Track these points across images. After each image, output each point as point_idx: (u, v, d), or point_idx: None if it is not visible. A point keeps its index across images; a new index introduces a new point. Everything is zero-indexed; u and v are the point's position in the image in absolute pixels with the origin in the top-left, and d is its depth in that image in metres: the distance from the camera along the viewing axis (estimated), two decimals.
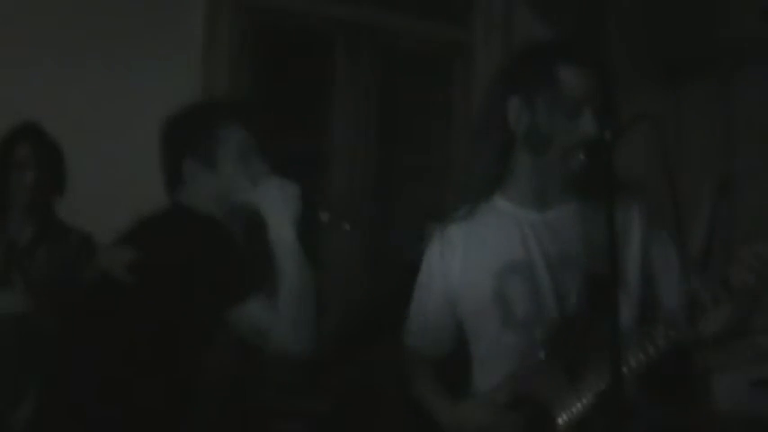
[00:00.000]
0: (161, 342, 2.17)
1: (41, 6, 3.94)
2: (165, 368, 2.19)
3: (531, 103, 2.18)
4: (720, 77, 4.52)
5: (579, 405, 2.10)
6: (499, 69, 2.36)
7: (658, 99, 4.56)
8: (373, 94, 4.72)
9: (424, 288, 2.43)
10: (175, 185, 2.47)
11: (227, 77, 4.24)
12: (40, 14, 3.93)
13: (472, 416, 2.21)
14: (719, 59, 4.49)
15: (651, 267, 2.21)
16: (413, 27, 4.81)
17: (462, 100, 4.84)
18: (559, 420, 2.11)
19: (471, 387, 2.33)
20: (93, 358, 2.19)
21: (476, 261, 2.28)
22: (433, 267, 2.38)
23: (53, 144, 3.28)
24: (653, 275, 2.22)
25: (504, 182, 2.28)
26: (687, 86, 4.64)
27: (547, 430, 2.12)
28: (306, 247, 2.33)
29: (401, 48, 4.82)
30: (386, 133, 4.75)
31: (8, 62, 3.83)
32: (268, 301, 2.20)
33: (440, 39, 4.91)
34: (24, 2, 3.92)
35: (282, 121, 4.51)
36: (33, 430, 2.42)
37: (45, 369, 2.43)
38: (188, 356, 2.26)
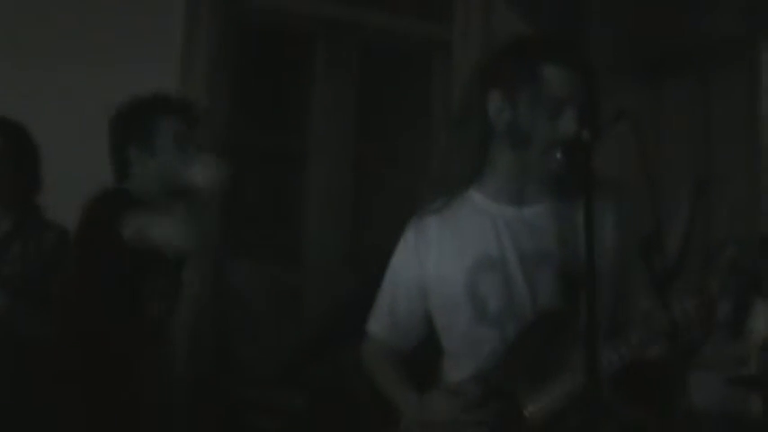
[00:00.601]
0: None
1: (15, 6, 3.92)
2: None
3: (513, 98, 2.17)
4: (699, 75, 4.54)
5: (548, 400, 2.10)
6: (480, 63, 2.33)
7: (637, 97, 4.57)
8: (352, 91, 4.72)
9: (395, 277, 2.39)
10: (122, 172, 2.90)
11: (205, 76, 4.22)
12: (13, 14, 3.91)
13: (439, 406, 2.19)
14: (699, 57, 4.51)
15: (623, 267, 2.22)
16: (391, 24, 4.81)
17: (441, 96, 4.85)
18: (527, 414, 2.11)
19: (441, 381, 2.32)
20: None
21: (449, 255, 2.26)
22: (406, 257, 2.36)
23: (28, 138, 3.25)
24: (625, 275, 2.22)
25: (482, 176, 2.28)
26: (666, 84, 4.65)
27: (514, 424, 2.11)
28: None
29: (380, 45, 4.82)
30: (365, 130, 4.74)
31: None
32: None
33: (419, 36, 4.91)
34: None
35: (261, 119, 4.51)
36: None
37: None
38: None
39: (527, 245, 2.19)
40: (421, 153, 4.83)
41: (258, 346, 4.16)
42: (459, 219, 2.27)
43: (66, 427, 2.61)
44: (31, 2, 3.96)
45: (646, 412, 2.76)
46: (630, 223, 2.22)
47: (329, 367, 3.88)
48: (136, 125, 2.89)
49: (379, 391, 2.37)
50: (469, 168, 2.26)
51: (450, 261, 2.25)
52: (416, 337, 2.39)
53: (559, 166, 2.11)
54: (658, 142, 4.35)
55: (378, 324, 2.42)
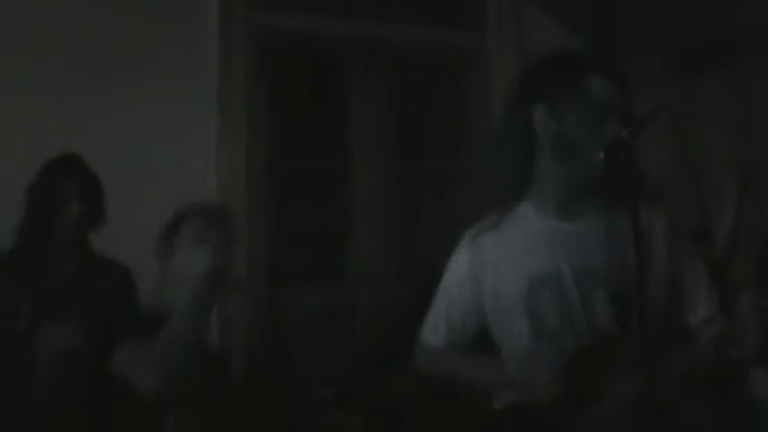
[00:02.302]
0: None
1: (45, 36, 3.97)
2: None
3: (558, 111, 2.20)
4: (736, 65, 4.50)
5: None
6: (521, 77, 2.36)
7: (675, 90, 4.54)
8: (390, 108, 4.72)
9: (450, 292, 2.43)
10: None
11: (243, 101, 4.25)
12: (47, 45, 3.96)
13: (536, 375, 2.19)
14: (736, 48, 4.47)
15: (677, 280, 2.22)
16: (425, 38, 4.81)
17: (480, 108, 4.84)
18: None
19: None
20: None
21: (505, 271, 2.29)
22: (461, 274, 2.39)
23: (94, 176, 3.27)
24: (679, 289, 2.22)
25: (531, 189, 2.29)
26: (704, 76, 4.62)
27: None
28: None
29: (415, 60, 4.83)
30: (406, 145, 4.75)
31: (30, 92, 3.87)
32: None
33: (453, 48, 4.91)
34: (36, 31, 3.95)
35: (302, 142, 4.54)
36: None
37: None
38: None
39: (580, 261, 2.21)
40: (463, 167, 4.84)
41: (312, 368, 4.17)
42: (513, 235, 2.29)
43: None
44: (65, 27, 4.00)
45: (707, 411, 2.73)
46: (679, 230, 2.23)
47: (385, 385, 3.89)
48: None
49: (456, 376, 2.39)
50: (518, 182, 2.29)
51: (507, 278, 2.27)
52: (471, 349, 2.41)
53: (602, 168, 2.11)
54: (698, 135, 4.31)
55: (433, 335, 2.45)
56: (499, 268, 2.29)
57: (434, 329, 2.45)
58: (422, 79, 4.86)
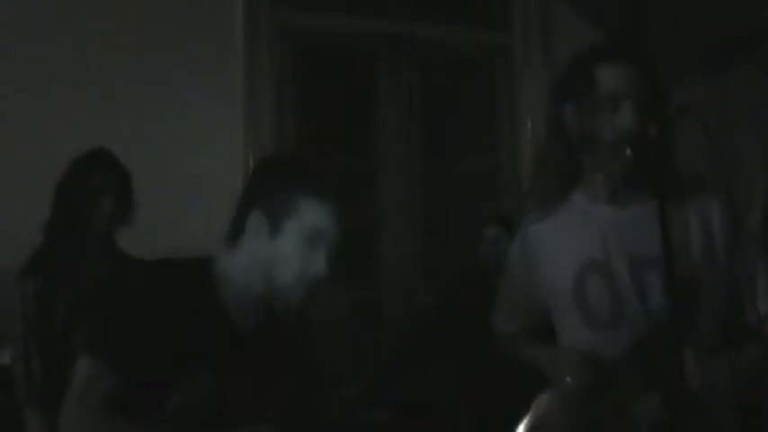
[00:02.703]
0: None
1: (79, 38, 4.01)
2: None
3: (579, 106, 2.23)
4: (765, 61, 4.47)
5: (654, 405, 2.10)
6: (554, 80, 2.42)
7: (705, 83, 4.52)
8: (417, 104, 4.73)
9: (508, 282, 2.49)
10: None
11: (270, 98, 4.27)
12: (78, 45, 4.00)
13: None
14: (763, 43, 4.44)
15: (736, 269, 2.21)
16: (452, 36, 4.82)
17: (506, 105, 4.84)
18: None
19: None
20: None
21: (557, 259, 2.30)
22: (516, 263, 2.44)
23: (125, 171, 3.24)
24: (738, 278, 2.21)
25: (579, 181, 2.32)
26: (734, 69, 4.59)
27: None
28: None
29: (442, 57, 4.83)
30: (432, 142, 4.75)
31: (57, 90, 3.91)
32: None
33: (479, 43, 4.91)
34: (65, 34, 3.98)
35: (328, 140, 4.54)
36: None
37: None
38: None
39: (632, 248, 2.21)
40: (491, 161, 4.84)
41: (340, 366, 4.19)
42: (564, 222, 2.31)
43: None
44: (91, 33, 4.03)
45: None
46: (737, 220, 2.23)
47: (413, 381, 3.90)
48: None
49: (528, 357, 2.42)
50: (563, 177, 2.32)
51: (559, 266, 2.28)
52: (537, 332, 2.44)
53: (629, 164, 2.11)
54: (727, 128, 4.29)
55: (503, 324, 2.51)
56: (551, 255, 2.32)
57: (503, 318, 2.51)
58: (448, 77, 4.86)
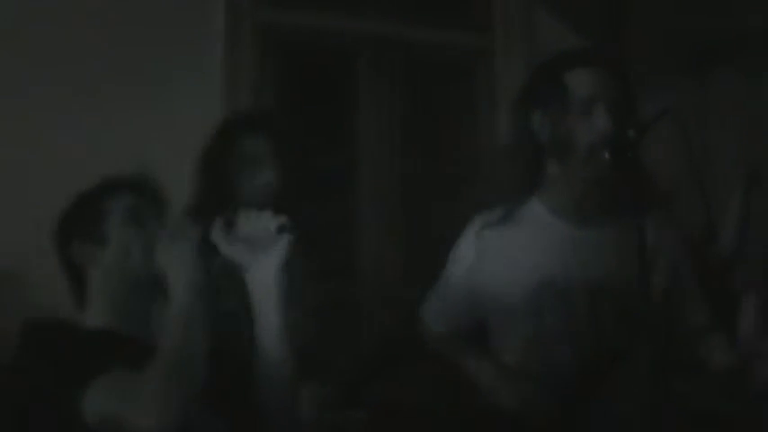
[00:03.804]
0: None
1: (58, 40, 3.96)
2: None
3: (549, 113, 2.22)
4: (749, 65, 4.49)
5: None
6: (521, 88, 2.40)
7: (687, 88, 4.54)
8: (397, 106, 4.72)
9: (452, 280, 2.45)
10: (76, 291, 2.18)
11: (250, 98, 4.26)
12: (57, 47, 3.95)
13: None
14: (746, 47, 4.46)
15: (675, 291, 2.23)
16: (433, 38, 4.81)
17: (486, 108, 4.84)
18: None
19: None
20: None
21: (512, 269, 2.29)
22: (465, 263, 2.40)
23: (288, 136, 2.91)
24: (678, 297, 2.23)
25: (541, 188, 2.31)
26: (716, 74, 4.61)
27: None
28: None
29: (422, 60, 4.83)
30: (412, 145, 4.75)
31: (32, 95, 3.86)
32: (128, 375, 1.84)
33: (461, 48, 4.91)
34: (42, 33, 3.93)
35: (308, 139, 4.53)
36: None
37: None
38: None
39: (589, 269, 2.22)
40: (470, 165, 4.83)
41: (316, 366, 4.18)
42: (522, 233, 2.30)
43: None
44: (69, 30, 3.99)
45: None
46: (685, 243, 2.24)
47: (390, 382, 3.89)
48: (78, 218, 2.23)
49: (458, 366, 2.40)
50: (527, 182, 2.31)
51: (512, 276, 2.27)
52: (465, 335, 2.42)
53: (607, 167, 2.11)
54: (706, 134, 4.31)
55: (435, 321, 2.48)
56: (503, 267, 2.30)
57: (436, 315, 2.48)
58: (429, 79, 4.86)
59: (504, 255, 2.31)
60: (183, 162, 3.99)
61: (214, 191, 2.77)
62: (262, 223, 2.00)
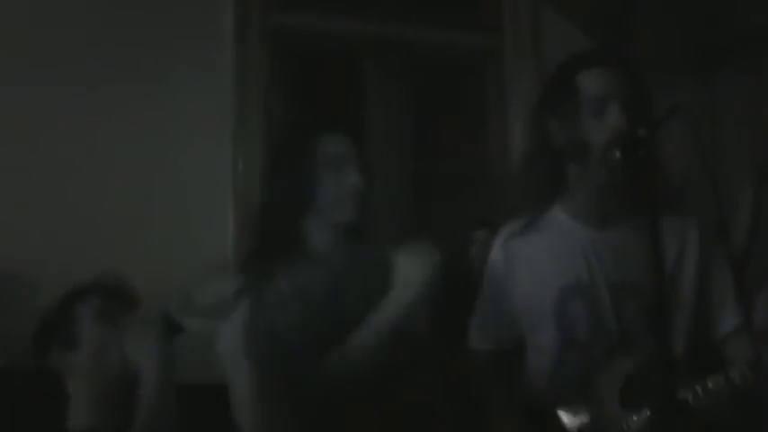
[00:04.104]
0: None
1: (68, 42, 3.98)
2: None
3: (564, 118, 2.22)
4: (755, 64, 4.49)
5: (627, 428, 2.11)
6: (538, 96, 2.41)
7: (694, 88, 4.54)
8: (405, 108, 4.72)
9: (486, 296, 2.47)
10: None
11: (259, 101, 4.26)
12: (67, 49, 3.97)
13: None
14: (753, 46, 4.46)
15: (707, 290, 2.22)
16: (441, 39, 4.81)
17: (495, 109, 4.84)
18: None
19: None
20: None
21: (537, 276, 2.30)
22: (495, 276, 2.42)
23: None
24: (708, 299, 2.22)
25: (562, 195, 2.31)
26: (722, 74, 4.61)
27: None
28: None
29: (431, 60, 4.83)
30: (420, 147, 4.75)
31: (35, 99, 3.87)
32: None
33: (469, 49, 4.90)
34: (49, 39, 3.94)
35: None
36: None
37: None
38: None
39: (613, 270, 2.22)
40: (479, 166, 4.83)
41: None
42: (546, 240, 2.31)
43: None
44: (80, 39, 4.01)
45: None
46: (711, 241, 2.24)
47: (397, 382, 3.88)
48: (51, 324, 2.29)
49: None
50: (548, 188, 2.31)
51: (539, 283, 2.28)
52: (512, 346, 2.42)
53: (619, 169, 2.11)
54: (716, 133, 4.30)
55: (478, 340, 2.49)
56: (530, 274, 2.31)
57: (479, 333, 2.49)
58: (437, 80, 4.86)
59: (531, 262, 2.32)
60: (194, 164, 4.03)
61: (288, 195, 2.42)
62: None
